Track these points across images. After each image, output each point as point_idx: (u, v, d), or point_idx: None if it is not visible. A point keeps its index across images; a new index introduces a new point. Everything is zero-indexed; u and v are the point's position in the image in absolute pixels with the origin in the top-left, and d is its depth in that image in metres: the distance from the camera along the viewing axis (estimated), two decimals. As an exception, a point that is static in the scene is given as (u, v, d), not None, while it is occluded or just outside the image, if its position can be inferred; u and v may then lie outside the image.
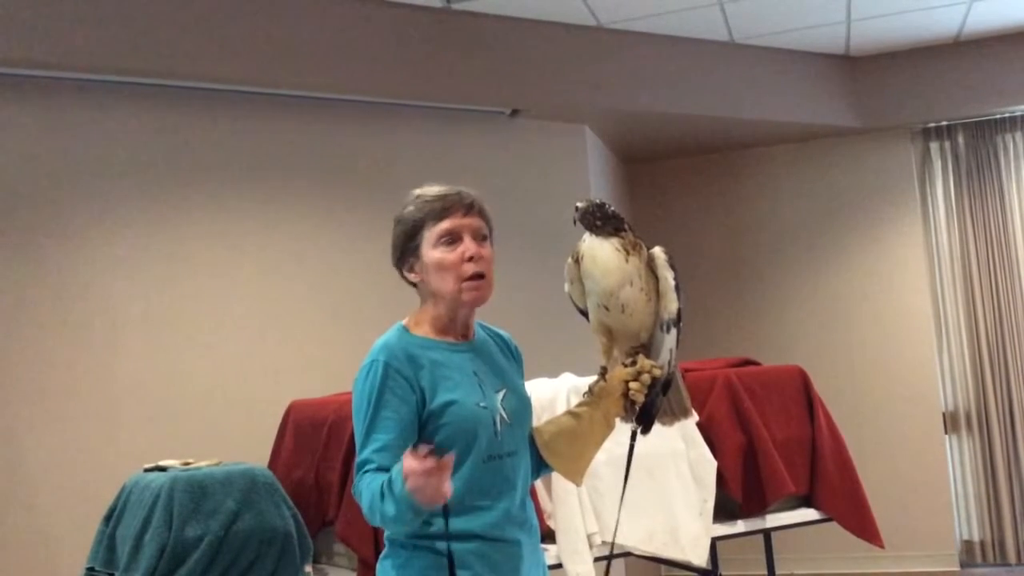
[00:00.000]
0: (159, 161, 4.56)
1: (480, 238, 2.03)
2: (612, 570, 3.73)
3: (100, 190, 4.41)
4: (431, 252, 2.00)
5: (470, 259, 1.99)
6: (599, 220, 2.11)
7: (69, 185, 4.35)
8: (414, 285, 2.08)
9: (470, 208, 2.02)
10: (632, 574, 5.72)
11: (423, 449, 1.71)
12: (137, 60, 4.33)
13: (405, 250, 2.04)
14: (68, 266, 4.30)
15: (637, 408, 2.13)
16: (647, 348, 2.16)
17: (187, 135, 4.64)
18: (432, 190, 2.05)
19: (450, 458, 1.73)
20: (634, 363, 2.11)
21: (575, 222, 2.14)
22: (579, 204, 2.13)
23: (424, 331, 2.03)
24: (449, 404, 1.93)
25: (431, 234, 2.00)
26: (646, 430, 2.20)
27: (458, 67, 5.17)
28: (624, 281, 2.08)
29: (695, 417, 3.41)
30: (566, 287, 2.20)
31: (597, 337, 2.18)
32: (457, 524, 1.93)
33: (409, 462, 1.71)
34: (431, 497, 1.74)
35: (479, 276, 2.00)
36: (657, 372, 2.11)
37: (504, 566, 1.98)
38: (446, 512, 1.90)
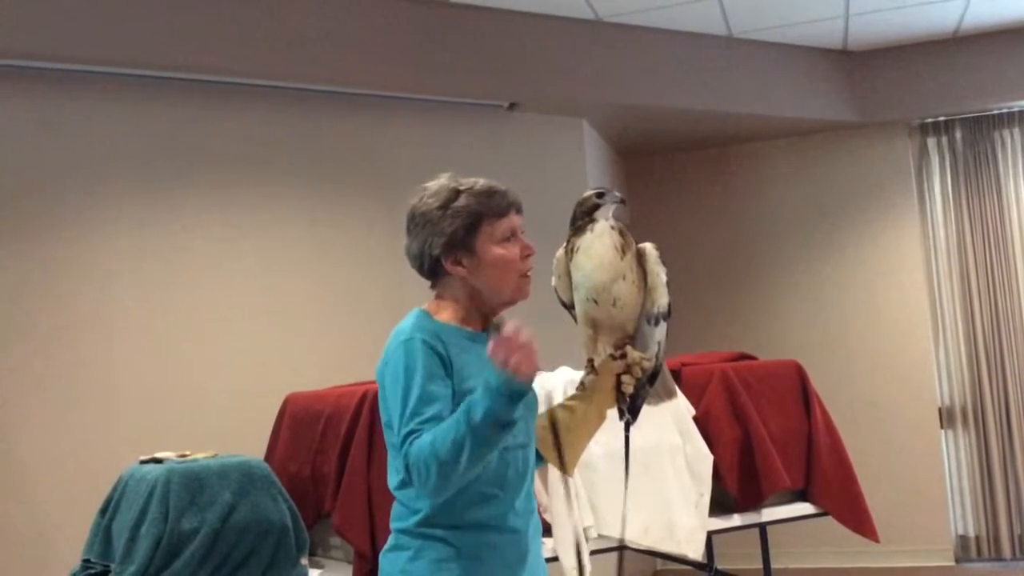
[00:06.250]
0: (156, 153, 4.55)
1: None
2: (607, 566, 3.73)
3: (98, 182, 4.40)
4: (493, 248, 2.01)
5: (526, 257, 2.04)
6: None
7: (66, 177, 4.34)
8: (433, 277, 2.06)
9: (520, 207, 2.07)
10: (628, 568, 5.72)
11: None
12: (133, 52, 4.32)
13: (458, 243, 2.01)
14: (66, 259, 4.29)
15: (628, 399, 2.15)
16: (633, 339, 2.18)
17: (183, 127, 4.63)
18: (482, 183, 2.05)
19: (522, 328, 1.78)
20: (623, 355, 2.13)
21: (600, 199, 2.14)
22: (617, 193, 2.16)
23: (445, 318, 2.02)
24: (471, 392, 1.91)
25: (492, 229, 2.01)
26: (633, 419, 2.22)
27: (456, 60, 5.16)
28: (617, 276, 2.10)
29: (680, 396, 3.43)
30: (553, 281, 2.22)
31: (583, 330, 2.20)
32: (467, 514, 1.93)
33: (500, 346, 1.74)
34: (531, 364, 1.77)
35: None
36: (647, 364, 2.15)
37: (511, 557, 1.99)
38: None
